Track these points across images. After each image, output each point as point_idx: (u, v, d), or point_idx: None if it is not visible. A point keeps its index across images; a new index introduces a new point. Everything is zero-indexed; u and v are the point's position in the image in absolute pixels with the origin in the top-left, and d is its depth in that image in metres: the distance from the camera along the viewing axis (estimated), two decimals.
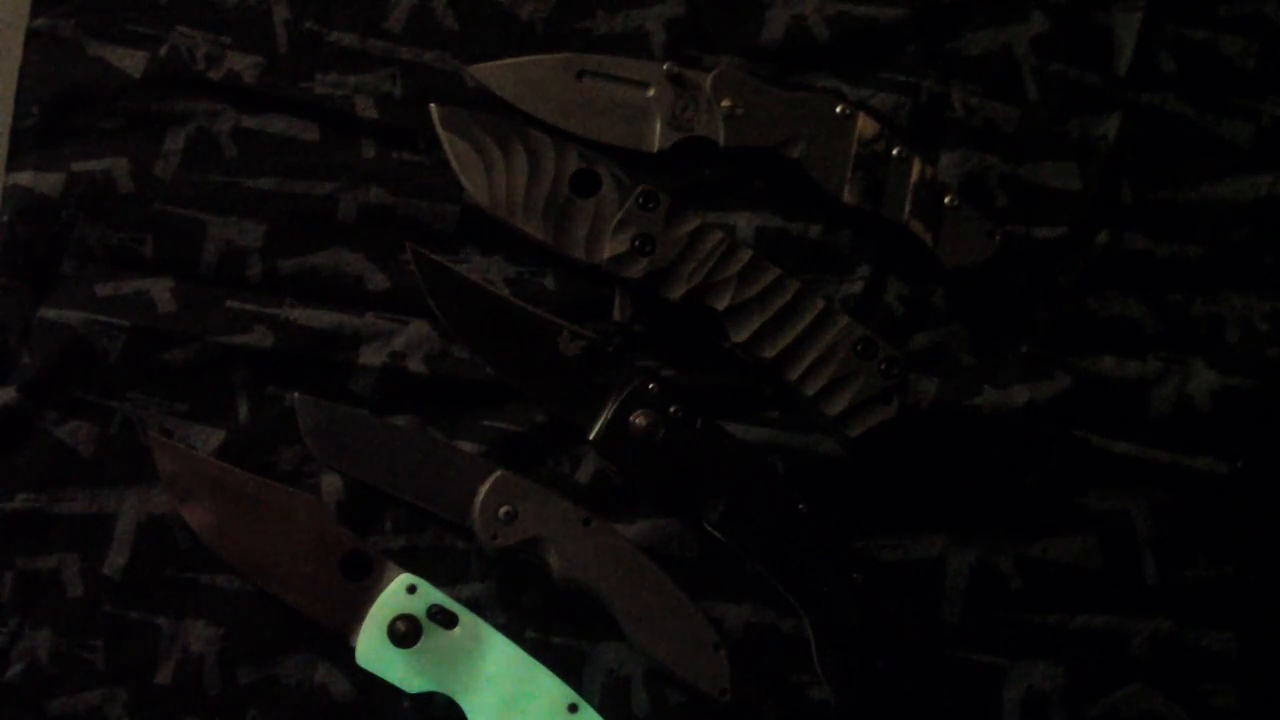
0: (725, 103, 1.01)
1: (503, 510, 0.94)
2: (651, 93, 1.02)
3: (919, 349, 1.01)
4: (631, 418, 0.95)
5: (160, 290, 1.00)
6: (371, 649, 0.92)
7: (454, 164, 1.01)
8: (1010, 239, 1.01)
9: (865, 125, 1.01)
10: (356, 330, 0.99)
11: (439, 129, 1.02)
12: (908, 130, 1.04)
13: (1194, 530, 0.99)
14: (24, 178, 1.01)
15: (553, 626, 0.95)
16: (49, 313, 0.99)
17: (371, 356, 0.99)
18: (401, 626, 0.91)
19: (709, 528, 0.95)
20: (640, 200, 0.98)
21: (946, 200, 1.00)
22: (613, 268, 0.98)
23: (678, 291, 0.97)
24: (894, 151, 1.00)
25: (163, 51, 1.04)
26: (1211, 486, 0.99)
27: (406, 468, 0.96)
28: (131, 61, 1.03)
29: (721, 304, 0.97)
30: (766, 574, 0.94)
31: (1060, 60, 1.06)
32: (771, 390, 0.99)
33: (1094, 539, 0.98)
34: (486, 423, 0.98)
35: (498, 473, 0.95)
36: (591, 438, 0.96)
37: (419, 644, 0.91)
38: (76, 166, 1.01)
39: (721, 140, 1.01)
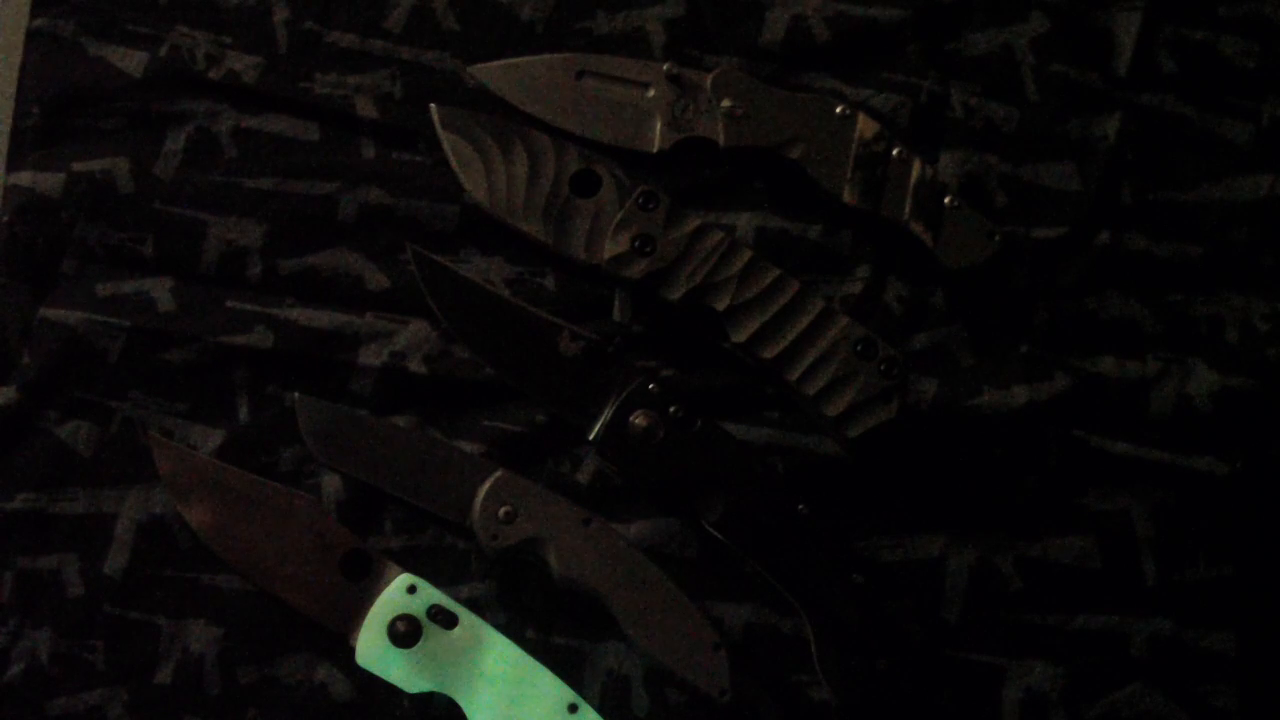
0: (725, 103, 1.01)
1: (503, 510, 0.94)
2: (651, 93, 1.02)
3: (919, 349, 1.01)
4: (631, 418, 0.95)
5: (160, 290, 1.00)
6: (371, 649, 0.92)
7: (454, 164, 1.01)
8: (1010, 239, 1.01)
9: (865, 125, 1.01)
10: (356, 330, 0.99)
11: (439, 129, 1.02)
12: (908, 130, 1.04)
13: (1194, 530, 0.99)
14: (24, 178, 1.01)
15: (553, 626, 0.95)
16: (49, 313, 0.99)
17: (371, 356, 0.99)
18: (401, 626, 0.91)
19: (709, 528, 0.95)
20: (640, 200, 0.98)
21: (946, 200, 1.00)
22: (613, 268, 0.98)
23: (678, 291, 0.97)
24: (894, 152, 1.00)
25: (163, 51, 1.04)
26: (1211, 486, 0.99)
27: (406, 468, 0.96)
28: (131, 61, 1.03)
29: (721, 304, 0.97)
30: (766, 574, 0.94)
31: (1060, 60, 1.06)
32: (771, 390, 0.99)
33: (1094, 539, 0.98)
34: (486, 423, 0.98)
35: (498, 473, 0.95)
36: (591, 438, 0.96)
37: (419, 644, 0.91)
38: (76, 166, 1.01)
39: (721, 140, 1.01)
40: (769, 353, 0.96)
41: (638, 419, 0.95)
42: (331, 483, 0.97)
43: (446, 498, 0.96)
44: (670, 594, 0.93)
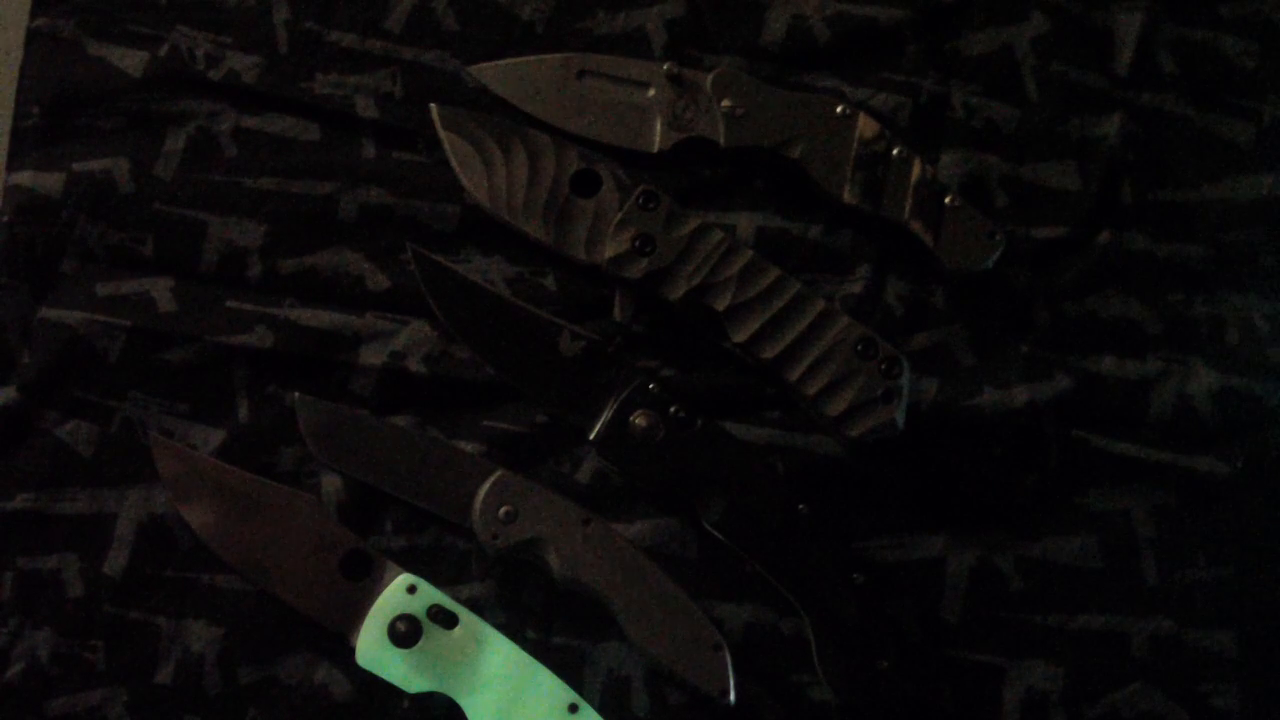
0: (725, 103, 1.01)
1: (503, 510, 0.94)
2: (651, 93, 1.02)
3: (919, 349, 1.01)
4: (631, 418, 0.95)
5: (160, 290, 1.00)
6: (371, 649, 0.92)
7: (454, 164, 1.01)
8: (1010, 239, 1.01)
9: (865, 125, 1.01)
10: (356, 330, 0.99)
11: (439, 129, 1.02)
12: (908, 130, 1.04)
13: (1194, 530, 0.99)
14: (24, 178, 1.01)
15: (553, 626, 0.95)
16: (49, 313, 0.99)
17: (371, 356, 0.99)
18: (401, 626, 0.91)
19: (709, 528, 0.95)
20: (640, 200, 0.98)
21: (947, 200, 1.00)
22: (613, 268, 0.98)
23: (678, 291, 0.97)
24: (894, 151, 1.00)
25: (163, 51, 1.04)
26: (1211, 486, 0.99)
27: (406, 468, 0.96)
28: (131, 61, 1.03)
29: (721, 304, 0.97)
30: (766, 574, 0.94)
31: (1060, 60, 1.06)
32: (771, 390, 0.99)
33: (1094, 539, 0.98)
34: (486, 423, 0.98)
35: (498, 473, 0.95)
36: (591, 438, 0.96)
37: (419, 644, 0.91)
38: (76, 166, 1.01)
39: (721, 140, 1.01)
40: (769, 353, 0.96)
41: (638, 419, 0.95)
42: (331, 483, 0.97)
43: (446, 498, 0.96)
44: (670, 594, 0.93)
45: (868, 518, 0.98)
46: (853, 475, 0.98)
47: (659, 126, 1.02)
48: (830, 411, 0.95)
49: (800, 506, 0.94)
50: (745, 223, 1.02)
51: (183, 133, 1.03)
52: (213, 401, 0.98)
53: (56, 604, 0.95)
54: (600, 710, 0.92)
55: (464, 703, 0.91)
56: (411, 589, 0.92)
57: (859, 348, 0.96)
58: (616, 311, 0.99)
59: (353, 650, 0.92)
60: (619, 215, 0.98)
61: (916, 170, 1.00)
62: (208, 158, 1.02)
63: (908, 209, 1.00)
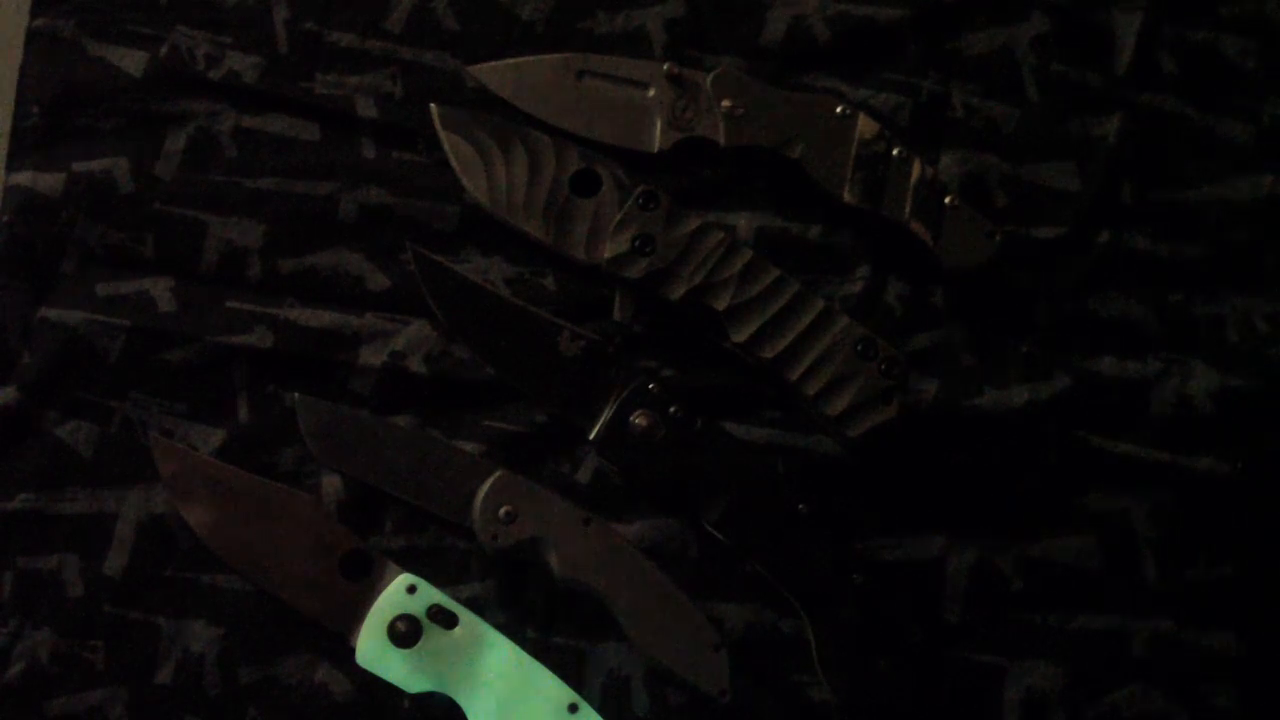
0: (725, 103, 1.01)
1: (503, 510, 0.94)
2: (651, 93, 1.02)
3: (919, 349, 1.01)
4: (631, 418, 0.95)
5: (160, 290, 1.00)
6: (371, 649, 0.92)
7: (454, 164, 1.01)
8: (1010, 239, 1.01)
9: (865, 125, 1.01)
10: (356, 330, 0.99)
11: (439, 129, 1.02)
12: (908, 130, 1.04)
13: (1194, 530, 0.99)
14: (24, 178, 1.01)
15: (553, 626, 0.95)
16: (49, 313, 0.99)
17: (371, 356, 0.99)
18: (401, 626, 0.91)
19: (709, 528, 0.95)
20: (640, 200, 0.98)
21: (946, 200, 1.00)
22: (613, 268, 0.98)
23: (678, 291, 0.97)
24: (894, 151, 1.00)
25: (163, 51, 1.04)
26: (1211, 487, 0.99)
27: (406, 468, 0.96)
28: (131, 61, 1.03)
29: (721, 304, 0.97)
30: (766, 574, 0.94)
31: (1060, 60, 1.06)
32: (771, 390, 0.99)
33: (1094, 539, 0.98)
34: (486, 423, 0.98)
35: (498, 473, 0.95)
36: (591, 438, 0.96)
37: (419, 644, 0.91)
38: (76, 166, 1.01)
39: (721, 140, 1.01)
40: (769, 353, 0.96)
41: (638, 419, 0.95)
42: (331, 483, 0.97)
43: (446, 498, 0.96)
44: (670, 594, 0.93)
45: (868, 518, 0.98)
46: (853, 475, 0.98)
47: (659, 126, 1.02)
48: (830, 411, 0.95)
49: (800, 506, 0.94)
50: (745, 223, 1.02)
51: (183, 133, 1.03)
52: (213, 401, 0.98)
53: (56, 604, 0.95)
54: (600, 710, 0.92)
55: (464, 703, 0.91)
56: (411, 589, 0.92)
57: (859, 348, 0.96)
58: (616, 311, 0.99)
59: (353, 650, 0.92)
60: (619, 215, 0.98)
61: (916, 170, 1.00)
62: (208, 158, 1.02)
63: (908, 209, 1.00)
